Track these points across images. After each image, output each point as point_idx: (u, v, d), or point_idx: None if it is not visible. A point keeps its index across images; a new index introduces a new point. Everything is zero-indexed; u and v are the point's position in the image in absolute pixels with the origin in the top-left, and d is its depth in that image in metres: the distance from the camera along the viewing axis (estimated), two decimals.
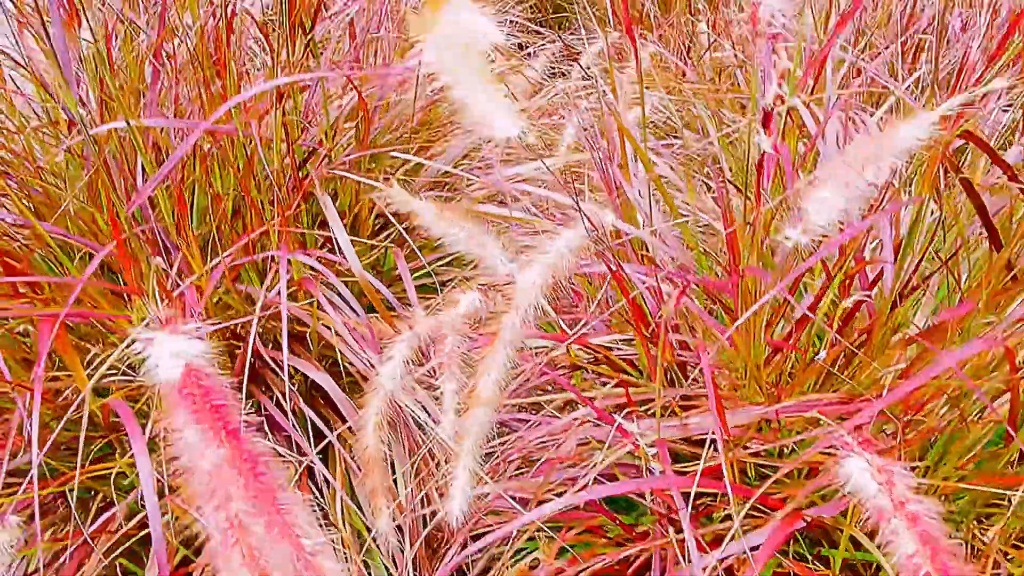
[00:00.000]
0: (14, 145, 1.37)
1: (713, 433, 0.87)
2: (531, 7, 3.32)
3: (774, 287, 0.77)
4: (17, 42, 1.47)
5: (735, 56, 1.71)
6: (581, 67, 1.57)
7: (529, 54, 2.72)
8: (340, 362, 1.15)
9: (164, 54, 1.13)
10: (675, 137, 1.80)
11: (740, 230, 0.83)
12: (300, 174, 1.18)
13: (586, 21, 3.23)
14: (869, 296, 0.96)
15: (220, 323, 0.95)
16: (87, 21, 1.06)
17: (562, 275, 0.80)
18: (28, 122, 1.41)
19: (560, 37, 2.82)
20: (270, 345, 1.21)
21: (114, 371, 1.21)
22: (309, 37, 1.07)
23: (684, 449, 0.99)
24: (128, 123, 1.05)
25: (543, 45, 2.70)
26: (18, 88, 1.51)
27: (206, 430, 0.48)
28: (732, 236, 0.95)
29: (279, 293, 1.08)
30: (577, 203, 0.72)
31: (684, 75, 2.03)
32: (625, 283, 0.91)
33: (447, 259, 1.29)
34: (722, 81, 1.92)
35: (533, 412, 1.11)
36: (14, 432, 1.02)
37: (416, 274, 1.26)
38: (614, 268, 0.88)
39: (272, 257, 1.17)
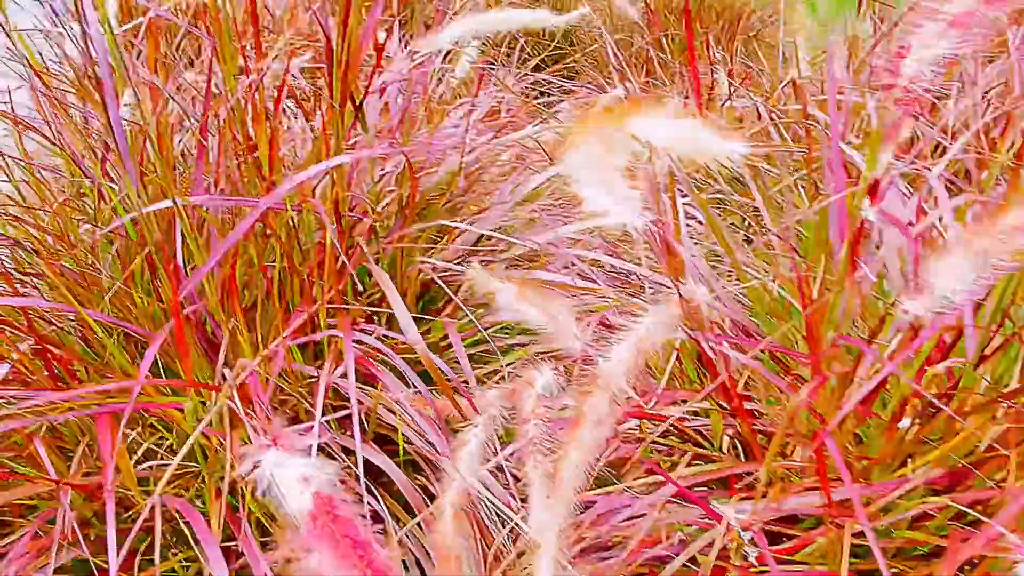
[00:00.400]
0: (42, 222, 1.33)
1: (811, 514, 0.83)
2: (531, 53, 3.33)
3: (883, 367, 0.74)
4: (44, 111, 1.45)
5: (766, 109, 1.71)
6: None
7: (540, 96, 2.72)
8: (397, 441, 1.11)
9: (208, 130, 1.11)
10: (700, 185, 1.78)
11: (837, 299, 0.79)
12: (348, 243, 1.15)
13: (590, 69, 3.25)
14: (955, 361, 0.93)
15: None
16: (135, 94, 1.03)
17: (651, 353, 0.77)
18: (56, 196, 1.38)
19: (566, 85, 2.83)
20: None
21: (153, 454, 1.17)
22: (359, 110, 1.05)
23: (768, 527, 0.95)
24: (175, 202, 1.01)
25: (551, 92, 2.71)
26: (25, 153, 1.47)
27: (348, 568, 0.43)
28: (812, 304, 0.92)
29: (331, 372, 1.04)
30: (676, 284, 0.69)
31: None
32: (714, 361, 0.87)
33: (499, 325, 1.26)
34: (744, 129, 1.91)
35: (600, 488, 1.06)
36: (58, 532, 0.96)
37: (466, 341, 1.22)
38: (706, 345, 0.85)
39: (319, 326, 1.13)
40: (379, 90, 1.21)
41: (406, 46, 1.36)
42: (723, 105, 1.99)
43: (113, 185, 1.27)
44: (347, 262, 0.98)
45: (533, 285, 0.81)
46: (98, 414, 0.83)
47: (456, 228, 1.22)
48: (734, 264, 1.08)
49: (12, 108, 1.52)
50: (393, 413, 1.10)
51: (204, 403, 1.07)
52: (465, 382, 1.18)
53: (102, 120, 1.34)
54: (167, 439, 1.18)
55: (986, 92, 1.91)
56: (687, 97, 2.24)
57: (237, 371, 0.72)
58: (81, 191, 1.41)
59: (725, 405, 0.97)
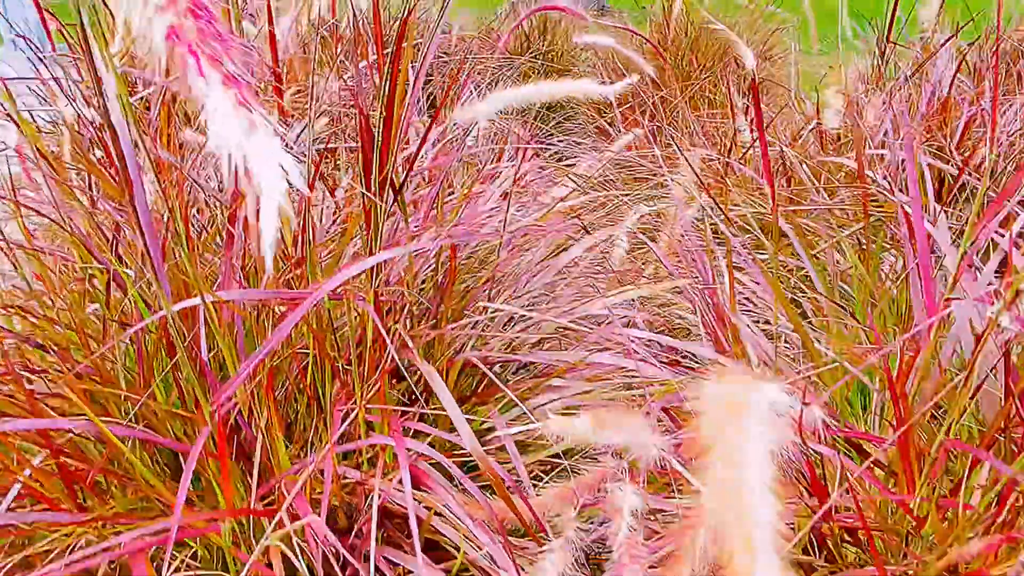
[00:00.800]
0: (50, 311, 1.25)
1: None
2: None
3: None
4: (52, 195, 1.37)
5: (797, 159, 1.66)
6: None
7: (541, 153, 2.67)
8: (443, 545, 1.02)
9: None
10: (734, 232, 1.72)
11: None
12: (385, 325, 1.07)
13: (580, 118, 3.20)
14: None
15: None
16: (155, 177, 0.96)
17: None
18: (63, 281, 1.29)
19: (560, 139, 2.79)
20: (352, 524, 1.07)
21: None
22: (398, 194, 0.98)
23: None
24: (203, 298, 0.93)
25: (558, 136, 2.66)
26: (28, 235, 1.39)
27: None
28: (898, 388, 0.85)
29: (382, 477, 0.96)
30: (803, 409, 0.62)
31: (725, 175, 1.98)
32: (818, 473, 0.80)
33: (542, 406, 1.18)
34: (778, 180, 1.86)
35: None
36: None
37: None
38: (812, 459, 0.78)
39: (360, 422, 1.05)
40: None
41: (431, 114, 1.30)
42: (746, 152, 1.94)
43: (128, 271, 1.19)
44: (396, 357, 0.90)
45: (606, 411, 0.74)
46: (133, 552, 0.74)
47: (496, 308, 1.15)
48: (808, 348, 1.01)
49: (13, 187, 1.44)
50: (440, 516, 1.01)
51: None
52: (512, 470, 1.10)
53: (118, 203, 1.27)
54: (191, 546, 1.09)
55: None
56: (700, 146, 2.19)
57: (283, 483, 0.63)
58: (90, 273, 1.33)
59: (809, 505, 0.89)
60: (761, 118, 0.86)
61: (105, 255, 1.24)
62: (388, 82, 0.86)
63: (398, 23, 0.95)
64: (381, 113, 0.90)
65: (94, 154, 1.60)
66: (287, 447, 1.07)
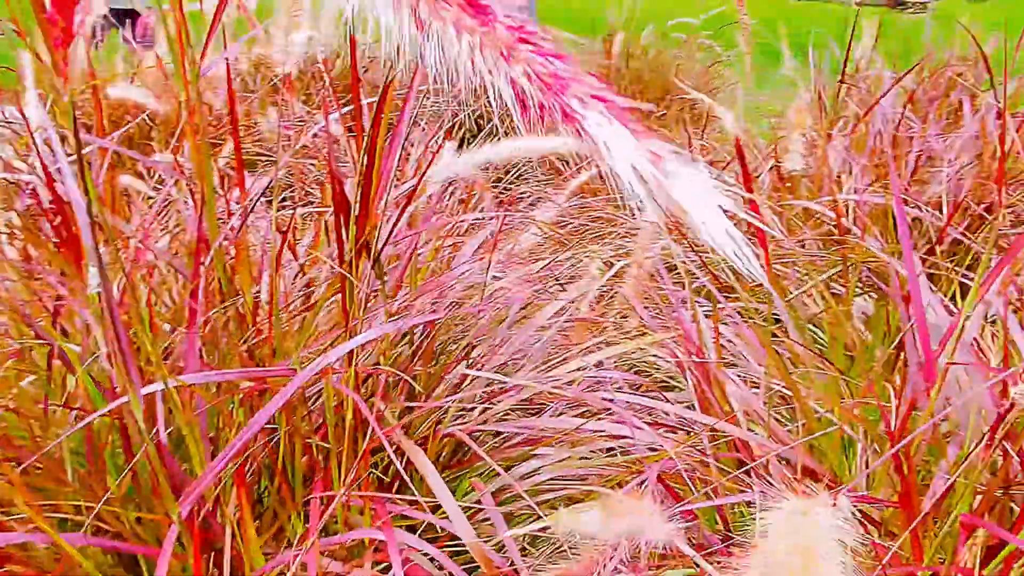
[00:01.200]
0: None
1: None
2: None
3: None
4: None
5: (767, 204, 1.66)
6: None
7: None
8: None
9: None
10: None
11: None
12: (363, 397, 1.01)
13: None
14: None
15: None
16: (115, 248, 0.88)
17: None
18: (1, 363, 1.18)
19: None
20: None
21: None
22: (375, 261, 0.92)
23: None
24: (166, 383, 0.86)
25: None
26: None
27: None
28: (904, 453, 0.84)
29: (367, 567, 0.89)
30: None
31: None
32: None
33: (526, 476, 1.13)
34: None
35: None
36: None
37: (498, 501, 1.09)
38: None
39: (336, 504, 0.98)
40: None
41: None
42: None
43: (72, 346, 1.10)
44: (378, 435, 0.84)
45: (614, 500, 0.70)
46: None
47: (476, 376, 1.10)
48: (803, 407, 0.99)
49: None
50: None
51: None
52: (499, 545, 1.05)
53: (59, 272, 1.18)
54: None
55: None
56: None
57: None
58: (29, 348, 1.22)
59: None
60: (749, 177, 0.84)
61: (41, 324, 1.15)
62: (368, 152, 0.80)
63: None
64: (359, 181, 0.84)
65: (23, 204, 1.49)
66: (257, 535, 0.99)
